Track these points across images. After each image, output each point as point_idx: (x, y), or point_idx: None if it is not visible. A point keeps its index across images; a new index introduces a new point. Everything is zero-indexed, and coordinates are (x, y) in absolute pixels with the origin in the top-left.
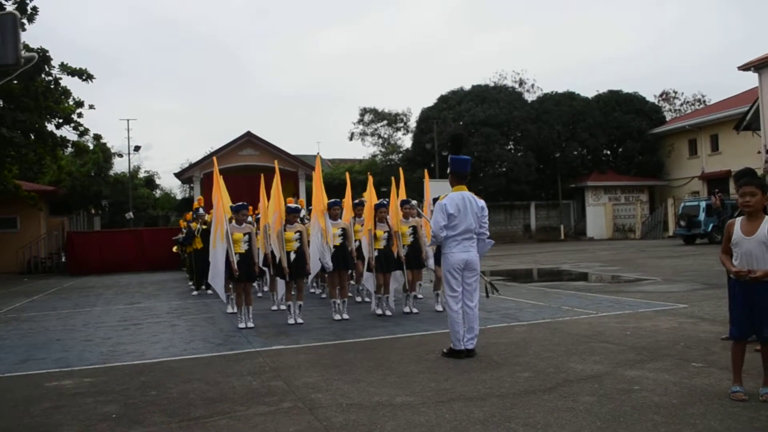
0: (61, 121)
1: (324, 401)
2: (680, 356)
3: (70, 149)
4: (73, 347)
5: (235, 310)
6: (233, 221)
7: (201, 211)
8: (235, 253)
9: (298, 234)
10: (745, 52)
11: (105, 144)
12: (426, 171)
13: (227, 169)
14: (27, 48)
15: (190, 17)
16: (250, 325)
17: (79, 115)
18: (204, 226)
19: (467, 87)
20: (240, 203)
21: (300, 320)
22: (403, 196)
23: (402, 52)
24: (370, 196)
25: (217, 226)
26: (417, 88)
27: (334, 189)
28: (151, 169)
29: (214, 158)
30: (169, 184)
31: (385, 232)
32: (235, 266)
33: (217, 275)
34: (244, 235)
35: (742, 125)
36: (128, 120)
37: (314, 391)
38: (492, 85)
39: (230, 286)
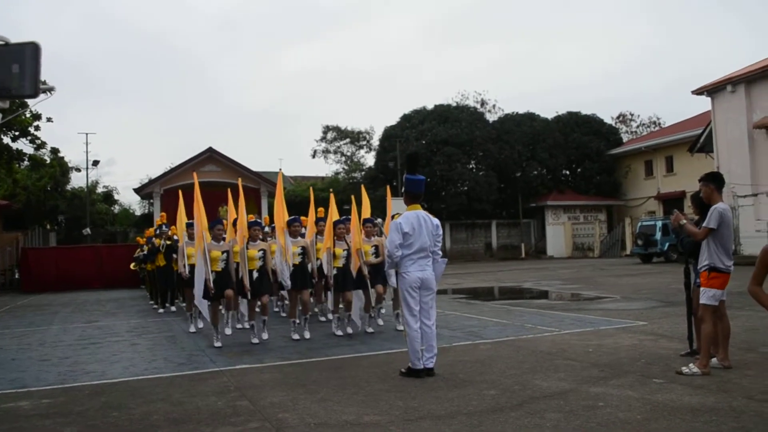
0: (17, 134)
1: (291, 421)
2: (642, 372)
3: (26, 163)
4: (29, 367)
5: (199, 327)
6: (191, 237)
7: (164, 227)
8: (212, 271)
9: (261, 252)
10: (699, 79)
11: (62, 158)
12: (388, 188)
13: (188, 185)
14: None
15: (156, 29)
16: (228, 332)
17: (37, 128)
18: (168, 242)
19: (430, 106)
20: (216, 220)
21: (264, 335)
22: (366, 214)
23: (366, 71)
24: (330, 214)
25: (198, 243)
26: (380, 107)
27: (296, 206)
28: (109, 185)
29: (194, 173)
30: (129, 199)
31: (344, 250)
32: (211, 284)
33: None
34: (222, 252)
35: (696, 147)
36: (87, 134)
37: (281, 411)
38: (454, 105)
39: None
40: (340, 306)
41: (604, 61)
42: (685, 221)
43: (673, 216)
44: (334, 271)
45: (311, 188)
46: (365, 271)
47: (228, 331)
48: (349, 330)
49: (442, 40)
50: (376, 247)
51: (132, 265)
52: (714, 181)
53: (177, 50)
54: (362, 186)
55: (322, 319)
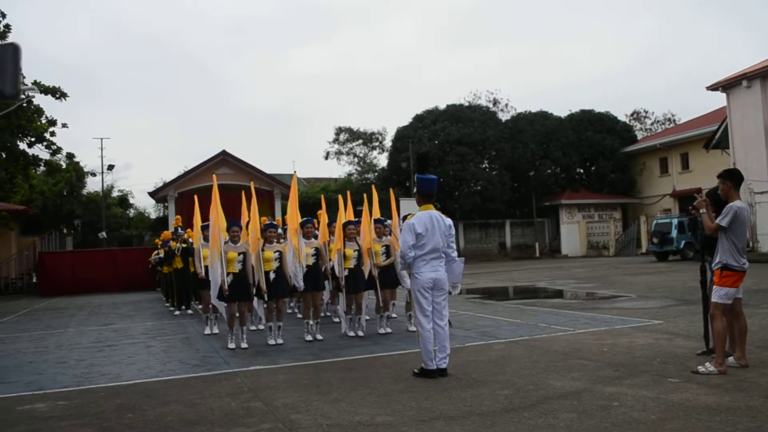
0: (33, 139)
1: (304, 422)
2: (657, 372)
3: (42, 168)
4: (46, 370)
5: (215, 332)
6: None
7: (180, 230)
8: (229, 273)
9: (277, 254)
10: (713, 75)
11: (78, 163)
12: (392, 191)
13: (202, 188)
14: None
15: (168, 35)
16: (244, 345)
17: (52, 134)
18: (184, 245)
19: (442, 106)
20: (232, 221)
21: (280, 341)
22: (376, 215)
23: (377, 72)
24: (340, 216)
25: (213, 245)
26: (392, 108)
27: (309, 208)
28: (125, 189)
29: (214, 175)
30: (144, 203)
31: (354, 251)
32: (225, 286)
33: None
34: (239, 254)
35: (712, 144)
36: (101, 139)
37: (294, 412)
38: (466, 104)
39: (211, 306)
40: (352, 308)
41: (616, 58)
42: (704, 210)
43: (698, 200)
44: (346, 273)
45: (323, 195)
46: (375, 272)
47: (244, 345)
48: (360, 333)
49: (454, 41)
50: (387, 247)
51: (152, 257)
52: (732, 178)
53: (188, 55)
54: (373, 186)
55: (336, 320)
